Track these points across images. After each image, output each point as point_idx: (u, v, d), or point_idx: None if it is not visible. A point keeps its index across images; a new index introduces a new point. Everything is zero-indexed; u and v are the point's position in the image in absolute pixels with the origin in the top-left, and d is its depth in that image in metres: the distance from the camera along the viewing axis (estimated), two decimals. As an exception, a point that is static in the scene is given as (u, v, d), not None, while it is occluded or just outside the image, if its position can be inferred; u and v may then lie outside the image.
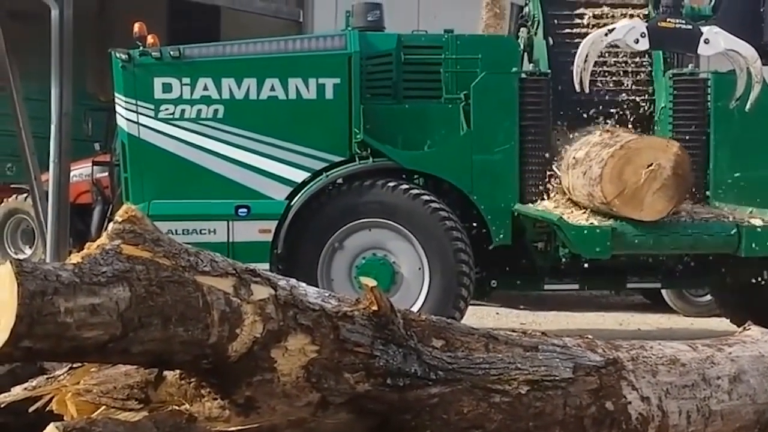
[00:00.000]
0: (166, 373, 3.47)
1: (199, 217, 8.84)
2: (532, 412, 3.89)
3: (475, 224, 9.06)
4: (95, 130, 15.03)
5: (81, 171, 13.69)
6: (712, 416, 4.36)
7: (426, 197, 8.82)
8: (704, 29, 8.50)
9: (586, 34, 9.46)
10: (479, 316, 11.31)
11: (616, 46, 9.36)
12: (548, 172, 8.89)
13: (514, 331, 4.28)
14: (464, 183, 9.00)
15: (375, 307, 3.65)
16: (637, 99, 9.43)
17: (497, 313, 12.35)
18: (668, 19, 8.42)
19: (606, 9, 9.62)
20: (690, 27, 8.46)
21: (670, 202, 8.11)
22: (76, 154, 13.05)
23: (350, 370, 3.54)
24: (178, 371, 3.45)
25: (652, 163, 7.99)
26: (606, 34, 8.39)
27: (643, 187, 8.01)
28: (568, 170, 8.63)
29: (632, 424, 4.09)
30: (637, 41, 8.35)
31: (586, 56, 8.30)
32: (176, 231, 8.43)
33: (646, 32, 8.34)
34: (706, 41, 8.43)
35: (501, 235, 8.95)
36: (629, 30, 8.35)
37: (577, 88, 8.38)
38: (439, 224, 8.78)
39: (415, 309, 8.13)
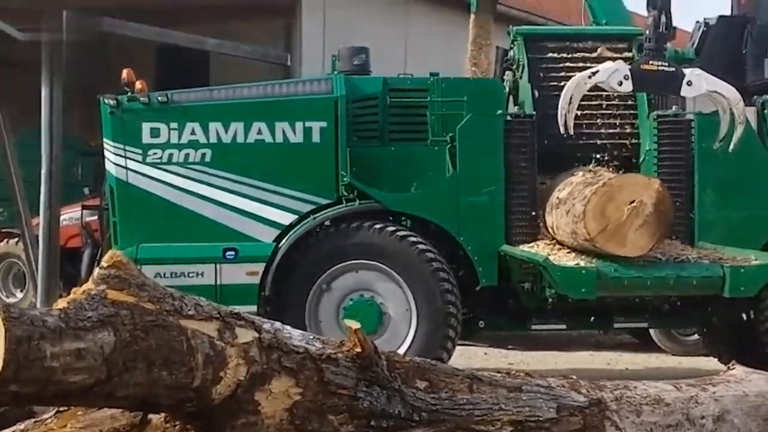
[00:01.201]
0: (151, 416, 3.49)
1: (187, 261, 8.87)
2: (516, 453, 3.92)
3: (462, 265, 9.10)
4: (84, 175, 15.10)
5: (71, 215, 13.75)
6: (696, 455, 4.39)
7: (413, 239, 8.86)
8: (687, 71, 8.59)
9: (570, 76, 9.57)
10: (467, 357, 11.32)
11: (601, 89, 9.47)
12: (532, 213, 8.95)
13: (498, 372, 4.32)
14: (451, 224, 9.05)
15: (359, 349, 3.69)
16: (623, 141, 9.50)
17: (485, 354, 12.36)
18: (651, 62, 8.52)
19: (589, 48, 9.71)
20: (673, 69, 8.56)
21: (653, 238, 8.18)
22: (66, 199, 13.11)
23: (334, 412, 3.57)
24: (162, 414, 3.48)
25: (634, 200, 8.06)
26: (590, 77, 8.48)
27: (626, 224, 8.08)
28: (552, 210, 8.70)
29: (616, 464, 4.12)
30: (620, 83, 8.44)
31: (570, 98, 8.39)
32: (164, 274, 8.46)
33: (629, 74, 8.43)
34: (689, 83, 8.52)
35: (488, 276, 8.99)
36: (613, 72, 8.44)
37: (562, 130, 8.46)
38: (426, 265, 8.81)
39: (402, 350, 8.16)
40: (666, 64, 8.55)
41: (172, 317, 3.31)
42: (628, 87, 8.50)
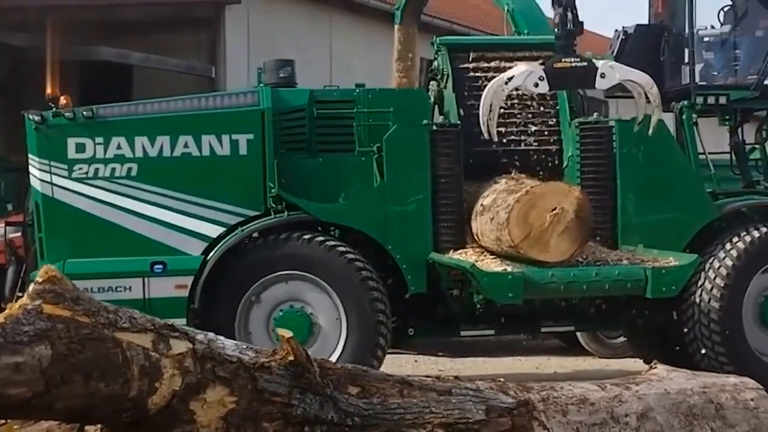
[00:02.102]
0: (87, 427, 3.53)
1: (114, 275, 8.83)
2: (447, 454, 4.01)
3: (391, 274, 9.17)
4: (7, 191, 14.92)
5: (-6, 232, 13.55)
6: (621, 453, 4.51)
7: (341, 248, 8.92)
8: (599, 63, 8.71)
9: (494, 84, 9.73)
10: (398, 364, 11.40)
11: (524, 97, 9.63)
12: (460, 221, 9.06)
13: (428, 376, 4.41)
14: (379, 233, 9.13)
15: (291, 357, 3.76)
16: (546, 147, 9.66)
17: (416, 361, 12.45)
18: (563, 59, 8.62)
19: (511, 57, 9.86)
20: (585, 63, 8.66)
21: (574, 244, 8.36)
22: (-12, 215, 12.95)
23: (268, 419, 3.64)
24: (99, 426, 3.51)
25: (555, 207, 8.23)
26: (506, 82, 8.57)
27: (548, 230, 8.25)
28: (477, 217, 8.83)
29: (544, 463, 4.23)
30: (536, 85, 8.54)
31: (490, 106, 8.49)
32: (92, 289, 8.39)
33: (544, 75, 8.52)
34: (603, 75, 8.63)
35: (417, 284, 9.07)
36: (528, 75, 8.54)
37: (486, 137, 8.57)
38: (355, 274, 8.87)
39: (333, 359, 8.19)
40: (578, 59, 8.64)
41: (107, 330, 3.36)
42: (544, 87, 8.60)
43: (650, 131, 8.81)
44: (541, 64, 8.66)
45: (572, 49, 8.74)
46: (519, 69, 8.65)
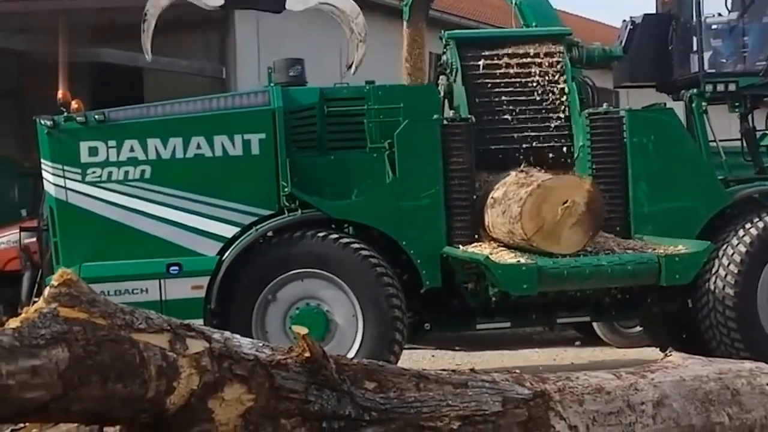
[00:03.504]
0: (106, 429, 3.56)
1: (130, 278, 8.87)
2: (464, 447, 4.03)
3: (405, 269, 9.20)
4: (21, 196, 14.98)
5: (8, 238, 13.60)
6: (638, 440, 4.53)
7: (356, 245, 8.95)
8: None
9: (504, 76, 9.75)
10: (415, 359, 11.44)
11: (535, 89, 9.63)
12: (473, 214, 9.07)
13: (444, 370, 4.43)
14: (393, 229, 9.15)
15: (307, 354, 3.78)
16: (557, 139, 9.67)
17: (433, 356, 12.48)
18: None
19: (520, 49, 9.87)
20: None
21: (586, 235, 8.39)
22: (2, 221, 13.00)
23: (286, 416, 3.66)
24: (118, 427, 3.55)
25: (567, 200, 8.26)
26: None
27: (560, 223, 8.29)
28: (488, 210, 8.86)
29: (561, 452, 4.25)
30: None
31: (146, 17, 8.03)
32: (108, 292, 8.42)
33: None
34: None
35: (431, 278, 9.10)
36: None
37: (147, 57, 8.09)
38: (370, 271, 8.90)
39: (350, 355, 8.21)
40: None
41: (123, 331, 3.39)
42: (217, 2, 8.12)
43: (352, 70, 8.36)
44: None
45: None
46: None
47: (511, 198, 8.45)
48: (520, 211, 8.23)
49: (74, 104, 9.27)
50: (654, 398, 4.67)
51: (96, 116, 9.10)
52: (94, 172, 9.04)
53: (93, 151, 9.05)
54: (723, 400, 4.82)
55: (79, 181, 9.03)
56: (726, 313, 9.16)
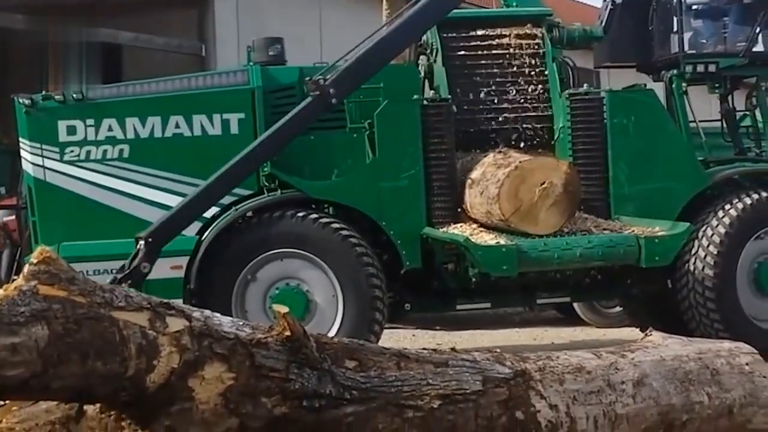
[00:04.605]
0: (86, 407, 3.55)
1: (109, 257, 8.81)
2: (445, 426, 4.04)
3: (385, 249, 9.19)
4: (0, 174, 14.89)
5: (-13, 216, 13.54)
6: (618, 420, 4.55)
7: (336, 225, 8.93)
8: None
9: (484, 57, 9.74)
10: (396, 339, 11.45)
11: (514, 72, 9.62)
12: (453, 195, 9.07)
13: (424, 349, 4.43)
14: (373, 210, 9.13)
15: (288, 333, 3.77)
16: (536, 120, 9.67)
17: (413, 335, 12.50)
18: None
19: (500, 30, 9.87)
20: None
21: (563, 217, 8.44)
22: (-19, 200, 12.93)
23: (267, 395, 3.65)
24: (98, 405, 3.53)
25: (544, 182, 8.30)
26: None
27: (537, 204, 8.34)
28: (466, 190, 8.87)
29: (542, 432, 4.26)
30: None
31: None
32: (87, 272, 8.26)
33: None
34: None
35: (412, 259, 9.09)
36: None
37: None
38: (350, 251, 8.88)
39: (330, 335, 8.22)
40: None
41: (103, 309, 3.37)
42: None
43: None
44: None
45: None
46: None
47: (489, 179, 8.47)
48: (498, 192, 8.27)
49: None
50: (634, 377, 4.68)
51: (74, 95, 9.04)
52: (72, 151, 8.99)
53: (71, 130, 9.00)
54: (702, 380, 4.84)
55: (57, 160, 8.98)
56: (705, 293, 9.19)
